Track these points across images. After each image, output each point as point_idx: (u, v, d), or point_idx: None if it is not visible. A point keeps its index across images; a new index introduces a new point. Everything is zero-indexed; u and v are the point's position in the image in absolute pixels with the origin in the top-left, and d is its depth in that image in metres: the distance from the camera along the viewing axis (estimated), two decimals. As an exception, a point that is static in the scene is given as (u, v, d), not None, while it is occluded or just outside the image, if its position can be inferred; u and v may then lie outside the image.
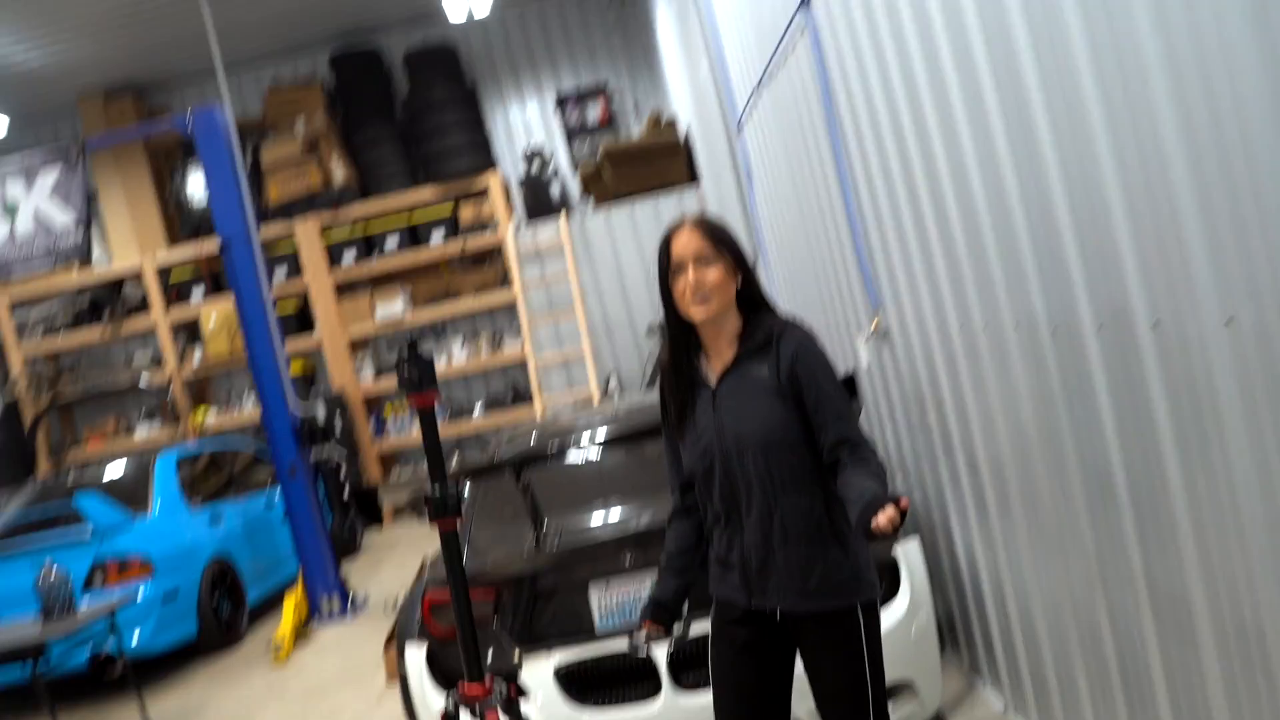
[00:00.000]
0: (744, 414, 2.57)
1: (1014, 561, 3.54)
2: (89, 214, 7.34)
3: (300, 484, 7.38)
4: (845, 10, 3.85)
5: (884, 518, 2.23)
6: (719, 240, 2.59)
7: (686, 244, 2.58)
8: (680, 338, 2.68)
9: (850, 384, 4.05)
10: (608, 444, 4.19)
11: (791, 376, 2.54)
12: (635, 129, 12.35)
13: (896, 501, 2.25)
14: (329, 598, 7.35)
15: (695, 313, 2.57)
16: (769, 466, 2.55)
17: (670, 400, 2.74)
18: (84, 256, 7.44)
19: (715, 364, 2.66)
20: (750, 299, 2.67)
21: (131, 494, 7.26)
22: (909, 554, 3.88)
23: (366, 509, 3.95)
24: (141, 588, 6.48)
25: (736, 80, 6.57)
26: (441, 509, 2.78)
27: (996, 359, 3.23)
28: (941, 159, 3.27)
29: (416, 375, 2.73)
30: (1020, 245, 2.83)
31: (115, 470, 7.78)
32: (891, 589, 3.79)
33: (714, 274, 2.54)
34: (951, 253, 3.37)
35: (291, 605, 7.10)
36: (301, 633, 7.15)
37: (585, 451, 4.18)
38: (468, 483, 4.09)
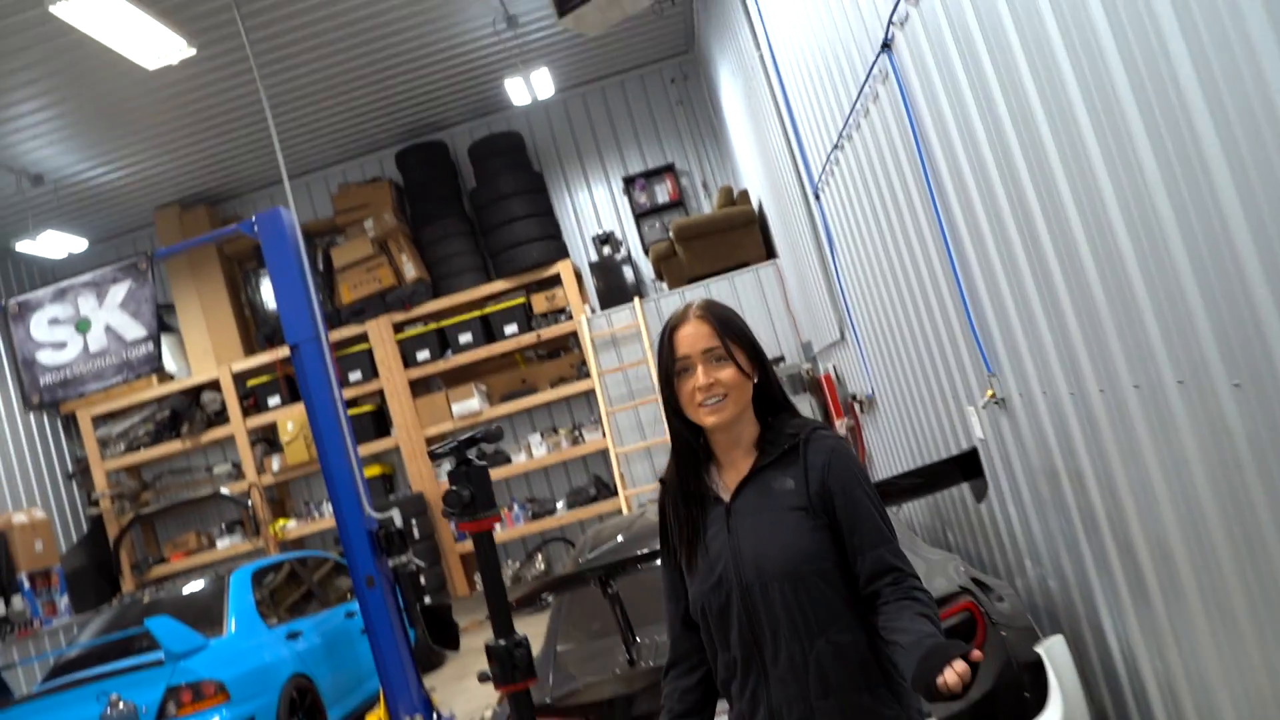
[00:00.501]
0: (766, 536, 2.15)
1: (1190, 658, 3.01)
2: (159, 326, 7.19)
3: (378, 595, 7.02)
4: (937, 44, 3.48)
5: (953, 674, 1.80)
6: (732, 332, 2.21)
7: (694, 338, 2.20)
8: (687, 447, 2.28)
9: (972, 461, 3.57)
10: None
11: (822, 490, 2.15)
12: (706, 206, 12.10)
13: (965, 653, 1.82)
14: (413, 716, 6.93)
15: (706, 419, 2.18)
16: (799, 600, 2.11)
17: (674, 519, 2.30)
18: (156, 369, 7.27)
19: (729, 476, 2.26)
20: (769, 400, 2.28)
21: (206, 613, 6.97)
22: (1054, 653, 3.37)
23: (439, 632, 3.52)
24: (216, 715, 6.14)
25: (810, 144, 6.23)
26: (509, 671, 2.26)
27: (1153, 421, 2.75)
28: (1067, 195, 2.84)
29: (468, 494, 2.27)
30: (1184, 283, 2.38)
31: (191, 588, 7.52)
32: (1038, 697, 3.28)
33: (728, 373, 2.18)
34: (1088, 303, 2.92)
35: (374, 724, 6.70)
36: (386, 754, 6.73)
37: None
38: (551, 597, 3.68)
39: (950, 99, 3.54)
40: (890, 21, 3.87)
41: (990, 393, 3.77)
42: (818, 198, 6.42)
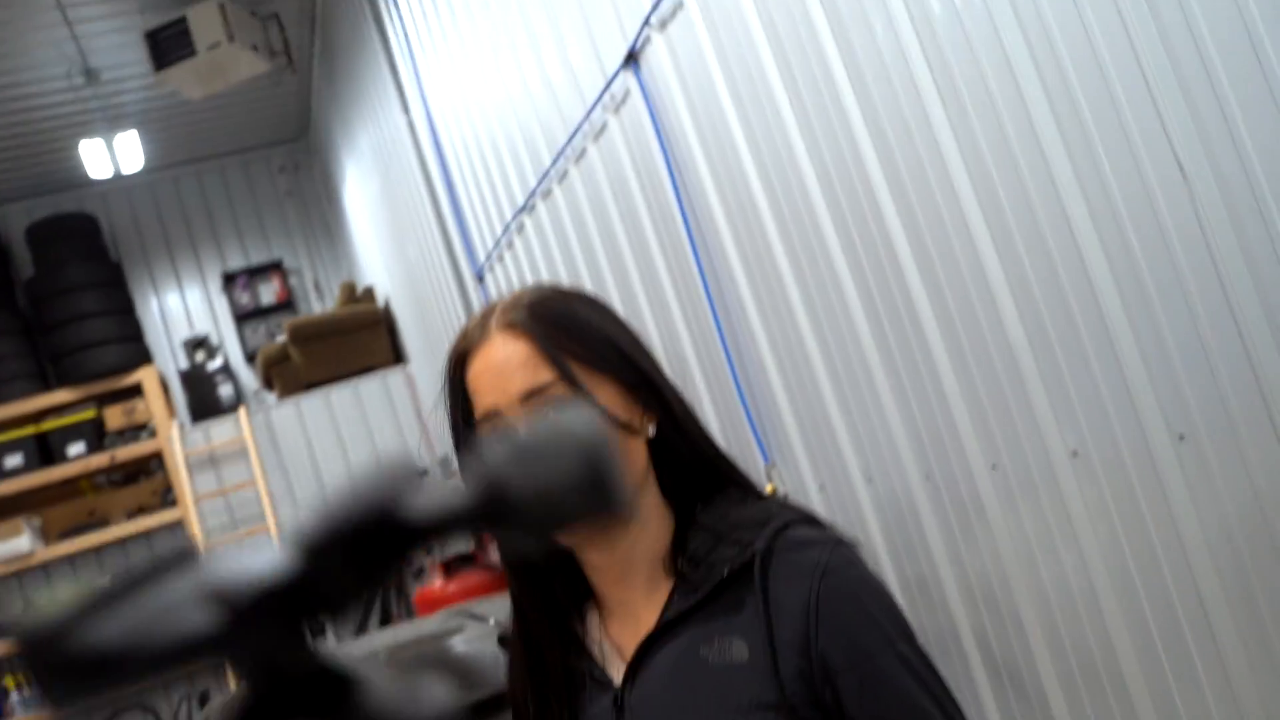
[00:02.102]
0: None
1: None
2: None
3: None
4: (693, 63, 2.75)
5: None
6: (579, 345, 1.14)
7: (502, 371, 1.12)
8: (534, 575, 1.21)
9: None
10: None
11: (810, 664, 1.06)
12: (318, 308, 10.83)
13: None
14: None
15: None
16: None
17: (521, 713, 1.22)
18: None
19: (622, 632, 1.18)
20: (687, 467, 1.19)
21: None
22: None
23: None
24: None
25: (478, 219, 5.38)
26: None
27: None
28: (840, 259, 2.16)
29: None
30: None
31: None
32: None
33: None
34: (868, 381, 2.24)
35: None
36: None
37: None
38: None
39: (701, 124, 2.82)
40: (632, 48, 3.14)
41: (770, 486, 3.01)
42: (481, 280, 5.54)
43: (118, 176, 9.98)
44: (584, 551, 1.17)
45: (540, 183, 4.25)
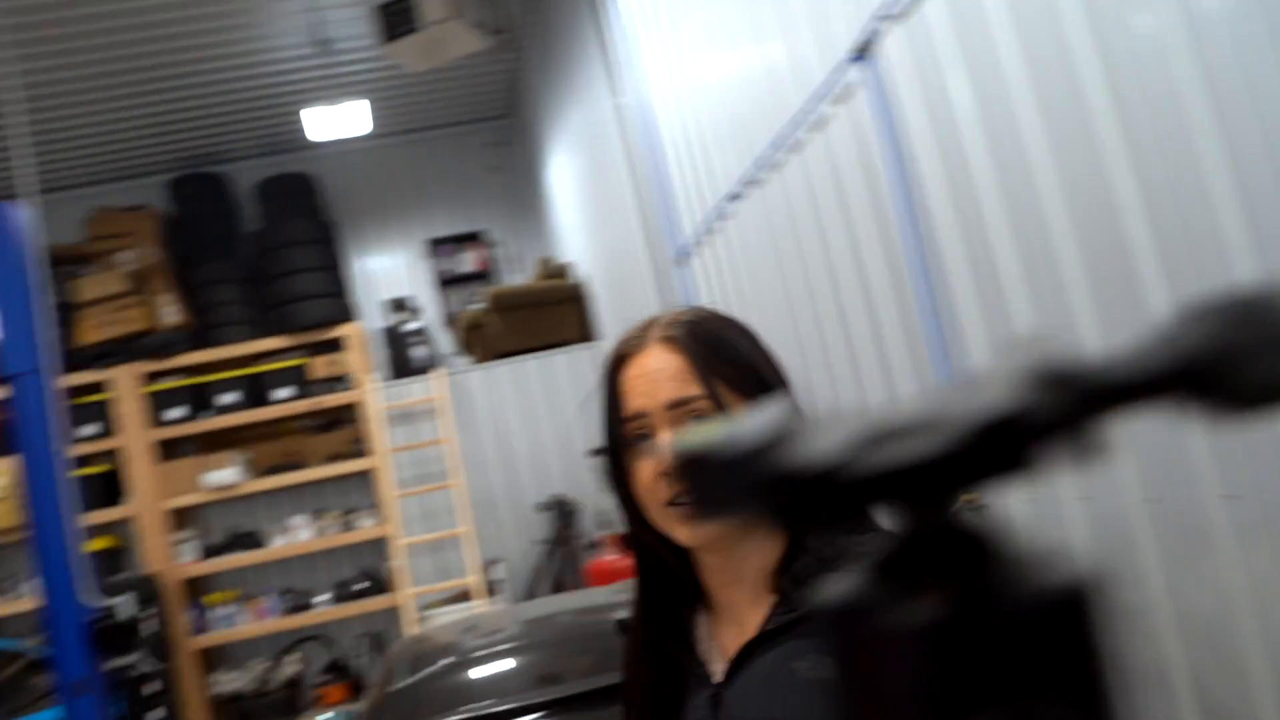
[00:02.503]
0: None
1: None
2: None
3: (89, 706, 5.48)
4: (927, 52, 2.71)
5: None
6: (728, 367, 1.25)
7: (655, 380, 1.24)
8: (658, 570, 1.32)
9: None
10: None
11: None
12: (514, 280, 11.16)
13: None
14: None
15: (681, 531, 1.22)
16: None
17: (633, 688, 1.35)
18: None
19: (727, 634, 1.29)
20: None
21: None
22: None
23: None
24: None
25: (682, 208, 5.45)
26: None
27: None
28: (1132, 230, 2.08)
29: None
30: None
31: None
32: None
33: None
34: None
35: None
36: None
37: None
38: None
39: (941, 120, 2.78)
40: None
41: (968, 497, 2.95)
42: (680, 264, 5.60)
43: (338, 141, 10.54)
44: (703, 554, 1.27)
45: (753, 170, 4.26)
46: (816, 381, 4.06)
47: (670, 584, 1.31)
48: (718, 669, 1.25)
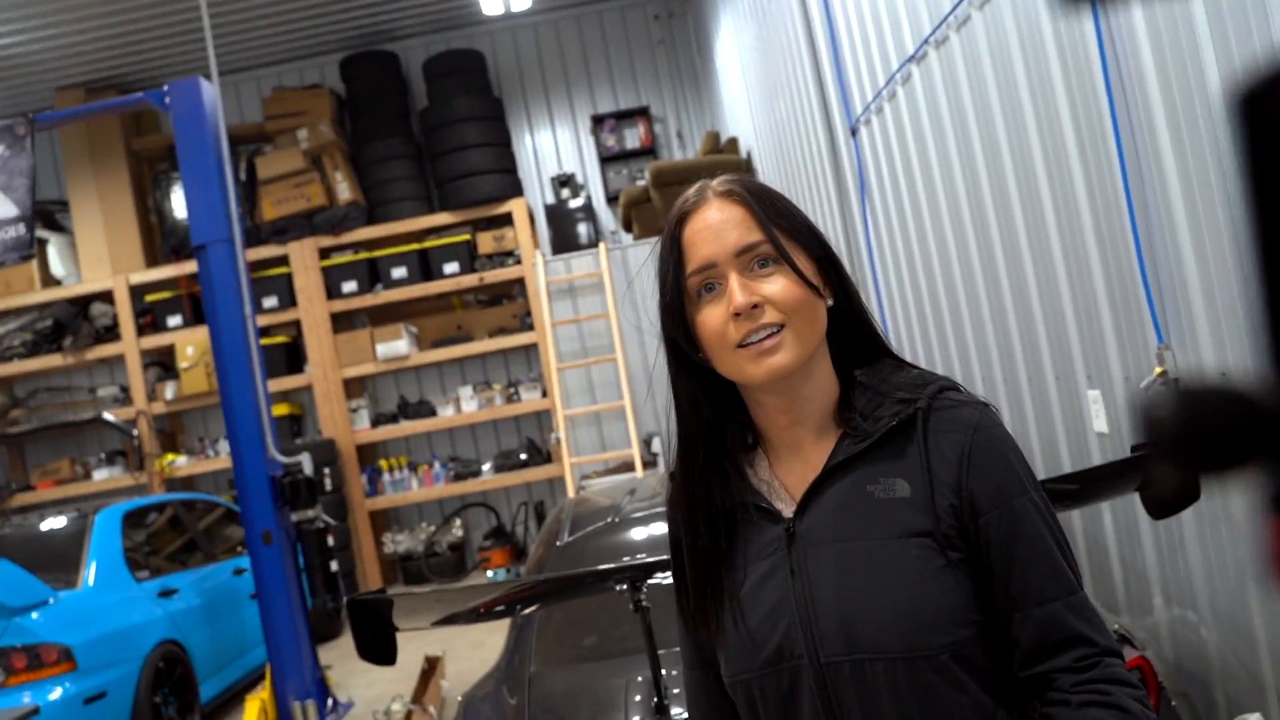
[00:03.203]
0: (862, 581, 1.24)
1: None
2: (33, 207, 5.89)
3: (276, 554, 5.87)
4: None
5: None
6: (784, 218, 1.30)
7: (720, 231, 1.27)
8: (712, 425, 1.35)
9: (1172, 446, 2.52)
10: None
11: (961, 502, 1.23)
12: (678, 156, 11.04)
13: None
14: (303, 703, 5.79)
15: (754, 368, 1.25)
16: (921, 696, 1.20)
17: (689, 551, 1.37)
18: (26, 256, 5.94)
19: (791, 475, 1.33)
20: (855, 340, 1.35)
21: (61, 558, 5.74)
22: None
23: (370, 638, 2.37)
24: (58, 688, 4.93)
25: (855, 76, 5.22)
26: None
27: None
28: None
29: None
30: None
31: (49, 525, 6.25)
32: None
33: (783, 285, 1.25)
34: None
35: (255, 709, 5.55)
36: (266, 745, 5.59)
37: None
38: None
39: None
40: None
41: (1160, 369, 2.78)
42: (855, 134, 5.40)
43: (506, 15, 10.51)
44: (764, 395, 1.31)
45: (935, 29, 4.02)
46: (991, 260, 3.88)
47: (717, 429, 1.35)
48: (784, 507, 1.31)
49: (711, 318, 1.26)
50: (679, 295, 1.30)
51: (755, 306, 1.23)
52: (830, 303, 1.31)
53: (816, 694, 1.24)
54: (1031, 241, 3.58)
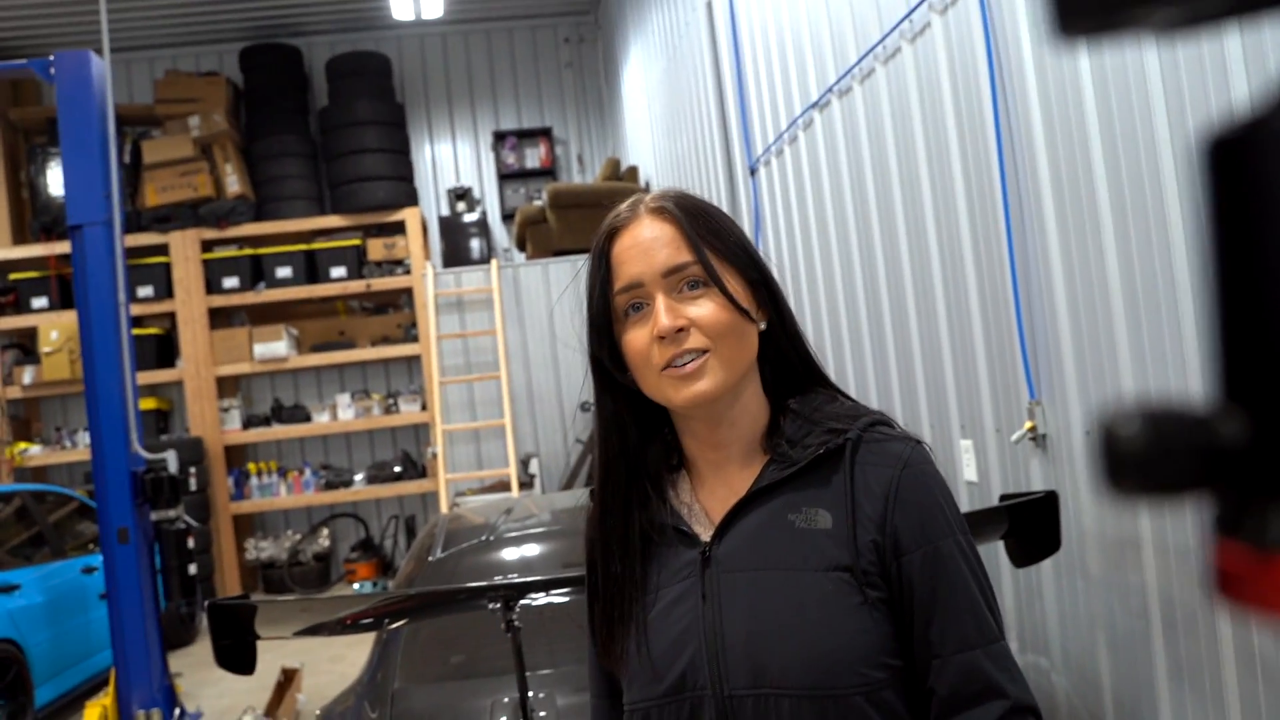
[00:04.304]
0: (774, 613, 1.20)
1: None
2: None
3: (131, 553, 5.63)
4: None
5: None
6: (715, 236, 1.27)
7: (648, 249, 1.24)
8: (636, 441, 1.32)
9: (1051, 507, 2.58)
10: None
11: (884, 539, 1.20)
12: (578, 179, 11.06)
13: None
14: (148, 712, 5.56)
15: (677, 392, 1.22)
16: None
17: (606, 574, 1.34)
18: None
19: (712, 499, 1.31)
20: (787, 366, 1.33)
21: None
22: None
23: (229, 646, 2.30)
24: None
25: (759, 117, 5.32)
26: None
27: None
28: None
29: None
30: None
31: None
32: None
33: (710, 309, 1.22)
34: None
35: (96, 716, 5.30)
36: (104, 753, 5.33)
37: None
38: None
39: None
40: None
41: (1030, 424, 2.89)
42: (754, 174, 5.50)
43: (417, 21, 10.40)
44: (689, 420, 1.29)
45: (840, 80, 4.14)
46: (876, 299, 3.99)
47: (639, 452, 1.32)
48: (703, 530, 1.28)
49: (637, 338, 1.24)
50: (606, 313, 1.28)
51: (680, 330, 1.20)
52: (763, 326, 1.28)
53: None
54: (917, 294, 3.70)
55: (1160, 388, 2.40)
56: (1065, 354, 2.77)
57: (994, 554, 3.07)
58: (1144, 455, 0.35)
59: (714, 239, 1.26)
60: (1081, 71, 2.57)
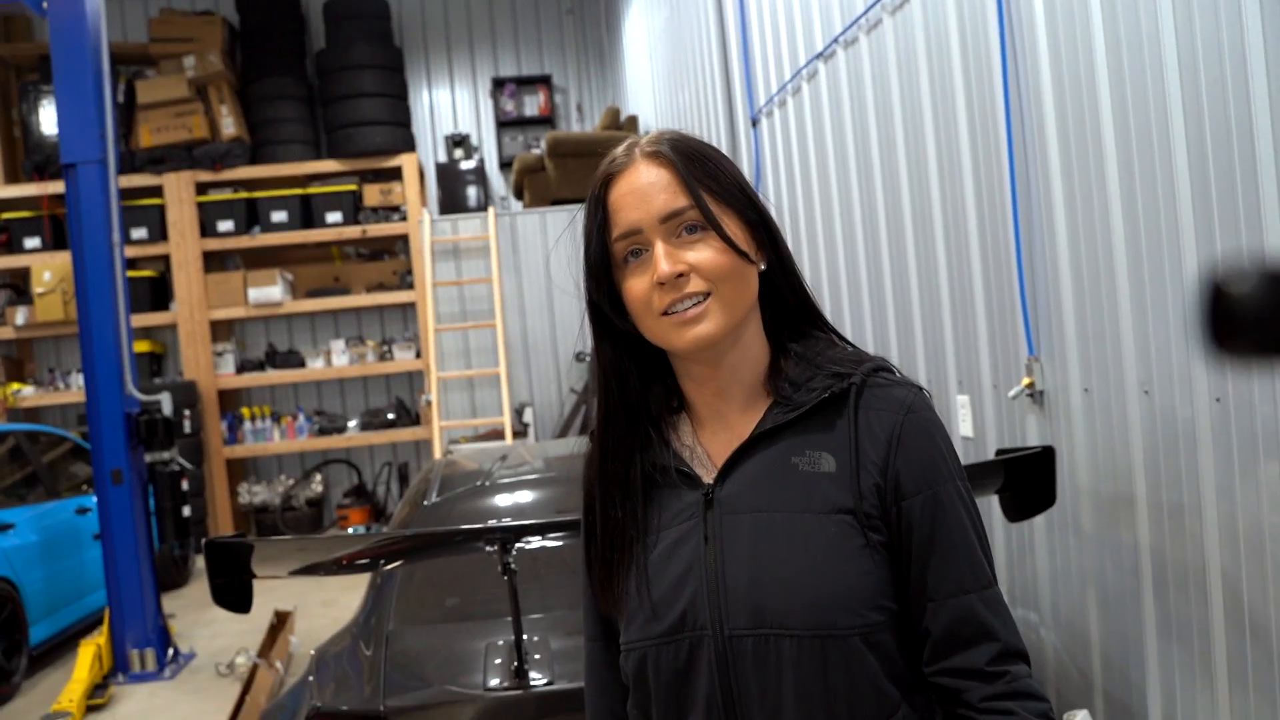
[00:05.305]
0: (776, 553, 1.21)
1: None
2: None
3: (125, 494, 5.65)
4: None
5: None
6: (714, 179, 1.25)
7: (645, 194, 1.22)
8: (636, 391, 1.32)
9: (1047, 463, 2.59)
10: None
11: (885, 483, 1.21)
12: (576, 128, 10.98)
13: None
14: (141, 651, 5.60)
15: (678, 336, 1.22)
16: (825, 676, 1.18)
17: (600, 516, 1.33)
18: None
19: (714, 442, 1.30)
20: (788, 309, 1.32)
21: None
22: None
23: (226, 584, 2.31)
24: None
25: (762, 67, 5.27)
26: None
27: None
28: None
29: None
30: None
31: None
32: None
33: (710, 253, 1.21)
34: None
35: (90, 655, 5.34)
36: (99, 694, 5.37)
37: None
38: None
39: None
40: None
41: (1028, 380, 2.89)
42: (756, 125, 5.45)
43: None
44: (689, 364, 1.29)
45: (846, 30, 4.09)
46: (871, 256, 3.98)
47: (640, 395, 1.32)
48: (705, 472, 1.28)
49: (637, 285, 1.23)
50: (604, 260, 1.26)
51: (680, 275, 1.20)
52: (763, 267, 1.27)
53: (715, 669, 1.20)
54: (918, 248, 3.68)
55: (1162, 347, 2.40)
56: (1066, 311, 2.76)
57: (988, 508, 3.09)
58: (1259, 314, 0.34)
59: (711, 181, 1.24)
60: (1093, 24, 2.54)
